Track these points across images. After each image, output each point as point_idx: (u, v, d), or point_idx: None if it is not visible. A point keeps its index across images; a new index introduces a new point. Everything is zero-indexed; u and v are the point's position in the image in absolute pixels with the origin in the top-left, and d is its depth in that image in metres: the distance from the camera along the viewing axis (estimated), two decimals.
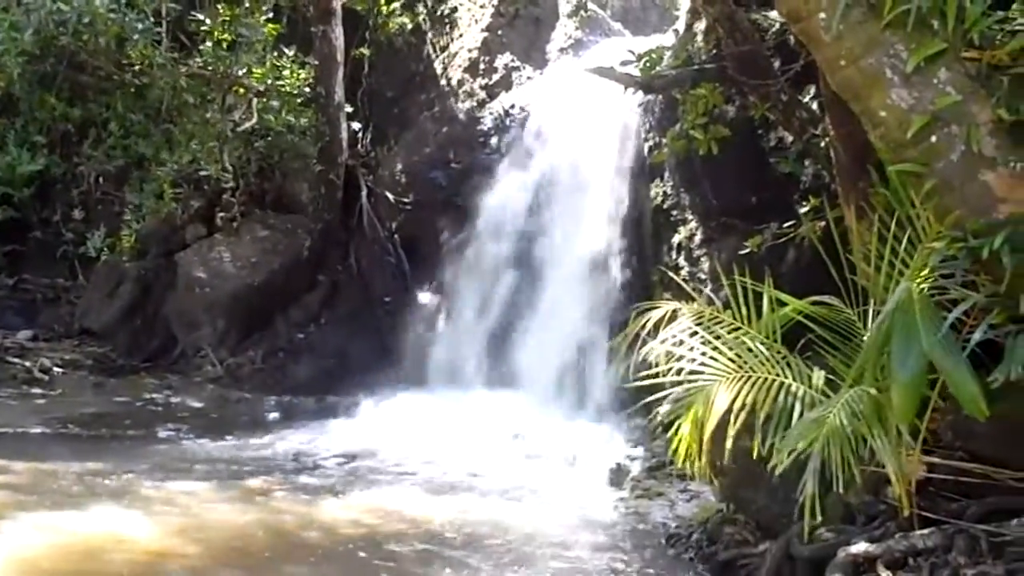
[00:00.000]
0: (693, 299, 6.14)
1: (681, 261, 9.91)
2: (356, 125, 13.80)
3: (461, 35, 14.13)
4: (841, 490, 4.65)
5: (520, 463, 9.16)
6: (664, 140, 9.14)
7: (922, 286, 4.73)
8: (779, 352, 5.46)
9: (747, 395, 5.22)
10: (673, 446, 5.56)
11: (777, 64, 7.40)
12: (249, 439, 9.82)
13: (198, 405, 11.07)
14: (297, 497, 7.81)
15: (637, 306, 6.17)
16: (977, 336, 4.55)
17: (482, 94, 13.66)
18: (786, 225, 7.55)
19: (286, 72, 12.65)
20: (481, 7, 14.00)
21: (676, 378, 5.53)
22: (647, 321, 5.91)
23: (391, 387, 11.55)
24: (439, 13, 14.28)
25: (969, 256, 4.59)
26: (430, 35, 14.34)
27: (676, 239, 10.02)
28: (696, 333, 5.65)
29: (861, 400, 4.76)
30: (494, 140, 13.09)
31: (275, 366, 12.28)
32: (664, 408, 5.58)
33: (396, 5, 14.02)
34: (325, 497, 7.87)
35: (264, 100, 12.56)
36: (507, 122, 13.12)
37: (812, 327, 5.43)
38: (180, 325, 12.67)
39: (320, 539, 6.84)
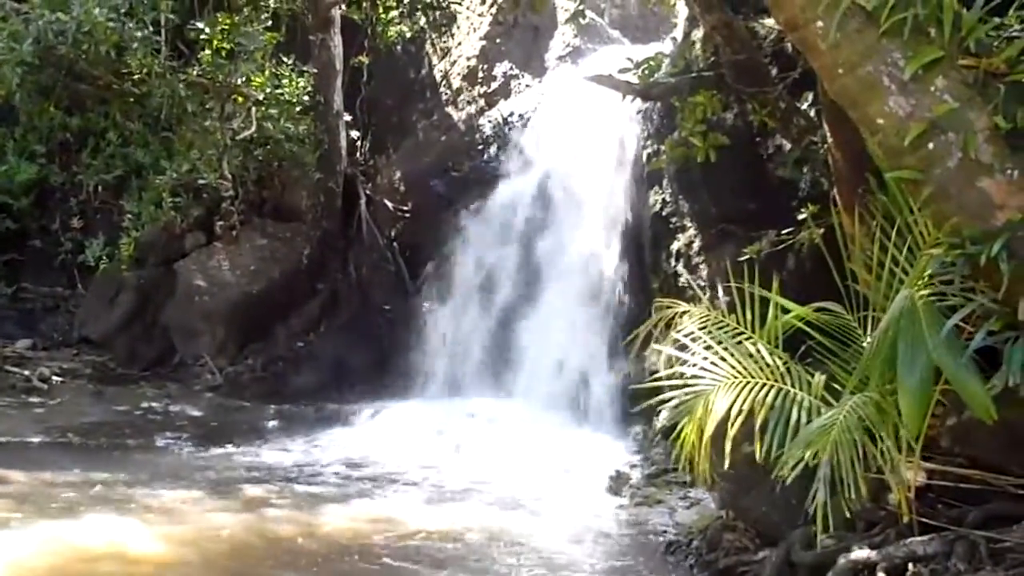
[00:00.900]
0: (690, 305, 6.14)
1: (680, 268, 9.91)
2: (355, 133, 13.83)
3: (460, 43, 14.16)
4: (851, 497, 4.65)
5: (519, 471, 9.15)
6: (662, 147, 9.15)
7: (921, 293, 4.74)
8: (780, 358, 5.47)
9: (747, 401, 5.23)
10: (676, 452, 5.56)
11: (775, 71, 7.40)
12: (248, 448, 9.81)
13: (197, 414, 11.07)
14: (296, 506, 7.80)
15: (659, 302, 6.15)
16: (976, 343, 4.55)
17: (481, 102, 13.68)
18: (784, 232, 7.56)
19: (285, 80, 12.67)
20: (480, 15, 14.03)
21: (677, 382, 5.54)
22: (652, 325, 5.92)
23: (390, 395, 11.56)
24: (438, 21, 14.30)
25: (967, 263, 4.59)
26: (429, 43, 14.37)
27: (675, 246, 10.03)
28: (698, 339, 5.66)
29: (867, 406, 4.76)
30: (493, 148, 13.12)
31: (274, 374, 12.28)
32: (664, 415, 5.59)
33: (395, 13, 14.04)
34: (324, 506, 7.85)
35: (263, 108, 12.58)
36: (506, 130, 13.14)
37: (812, 334, 5.44)
38: (179, 334, 12.67)
39: (319, 548, 6.82)
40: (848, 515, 5.47)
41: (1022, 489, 4.99)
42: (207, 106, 12.56)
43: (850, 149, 5.75)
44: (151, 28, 11.85)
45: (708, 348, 5.60)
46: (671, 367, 5.71)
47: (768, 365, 5.42)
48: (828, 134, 6.19)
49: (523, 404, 10.98)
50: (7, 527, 6.66)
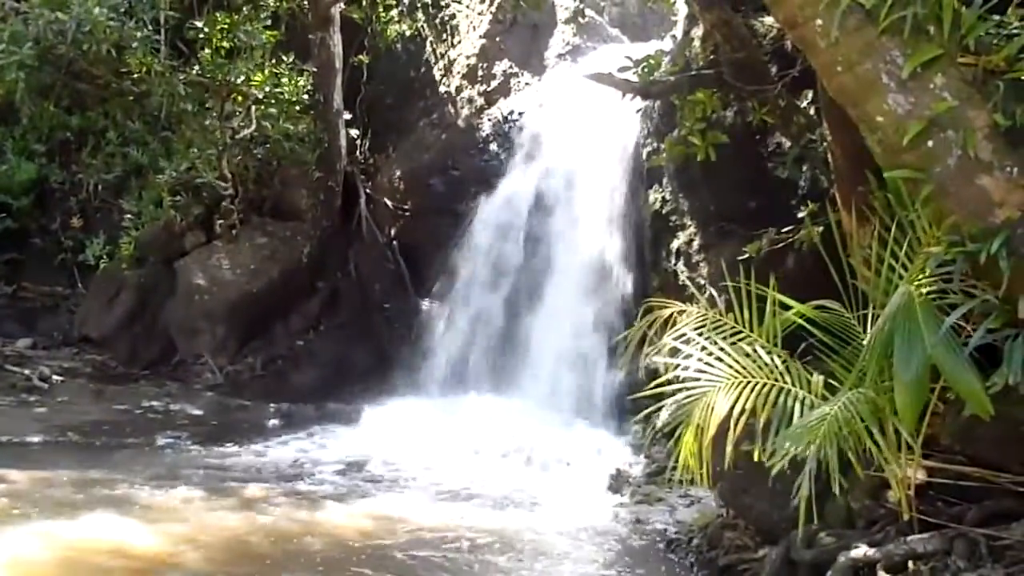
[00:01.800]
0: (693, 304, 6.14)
1: (680, 266, 9.92)
2: (355, 132, 13.82)
3: (459, 42, 14.15)
4: (838, 492, 4.65)
5: (520, 469, 9.16)
6: (662, 146, 9.15)
7: (921, 290, 4.74)
8: (779, 356, 5.47)
9: (747, 400, 5.23)
10: (676, 452, 5.57)
11: (774, 69, 7.40)
12: (249, 446, 9.81)
13: (198, 412, 11.07)
14: (297, 504, 7.81)
15: (647, 302, 6.16)
16: (975, 340, 4.56)
17: (480, 101, 13.68)
18: (784, 230, 7.56)
19: (284, 79, 12.66)
20: (479, 14, 14.02)
21: (677, 385, 5.54)
22: (651, 323, 5.92)
23: (391, 394, 11.55)
24: (437, 20, 14.30)
25: (967, 260, 4.60)
26: (429, 42, 14.36)
27: (675, 244, 10.04)
28: (698, 338, 5.66)
29: (859, 402, 4.77)
30: (493, 146, 13.12)
31: (275, 373, 12.28)
32: (664, 416, 5.59)
33: (394, 12, 14.04)
34: (325, 504, 7.87)
35: (263, 107, 12.57)
36: (506, 128, 13.14)
37: (812, 331, 5.44)
38: (179, 332, 12.67)
39: (320, 546, 6.83)
40: (847, 513, 5.49)
41: (1022, 487, 4.99)
42: (207, 105, 12.55)
43: (850, 147, 5.75)
44: (150, 27, 11.83)
45: (704, 350, 5.60)
46: (670, 367, 5.71)
47: (767, 364, 5.42)
48: (827, 132, 6.19)
49: (524, 402, 10.99)
50: (7, 526, 6.66)
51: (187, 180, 12.57)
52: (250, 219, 13.02)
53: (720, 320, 5.78)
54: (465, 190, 12.78)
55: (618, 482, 8.49)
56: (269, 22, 12.51)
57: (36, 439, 9.52)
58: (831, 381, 5.28)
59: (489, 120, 13.37)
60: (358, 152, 14.03)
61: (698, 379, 5.49)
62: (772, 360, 5.44)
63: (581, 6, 11.44)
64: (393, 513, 7.70)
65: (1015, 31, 4.62)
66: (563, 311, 11.27)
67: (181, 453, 9.55)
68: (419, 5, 14.15)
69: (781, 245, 7.59)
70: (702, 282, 9.44)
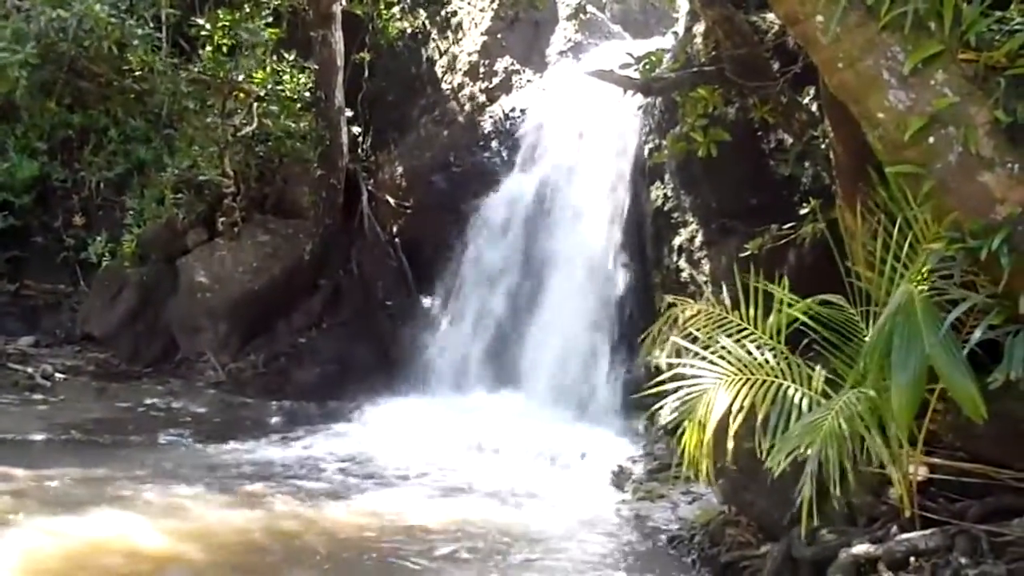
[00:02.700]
0: (694, 301, 6.15)
1: (682, 263, 9.91)
2: (356, 129, 13.82)
3: (461, 39, 14.15)
4: (838, 492, 4.65)
5: (522, 466, 9.17)
6: (664, 142, 9.14)
7: (922, 287, 4.74)
8: (781, 353, 5.47)
9: (748, 397, 5.24)
10: (680, 448, 5.57)
11: (776, 66, 7.40)
12: (251, 444, 9.82)
13: (200, 410, 11.09)
14: (300, 502, 7.82)
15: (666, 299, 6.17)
16: (976, 337, 4.56)
17: (482, 97, 13.68)
18: (786, 227, 7.56)
19: (286, 77, 12.65)
20: (481, 11, 14.02)
21: (679, 381, 5.54)
22: (664, 323, 5.94)
23: (393, 391, 11.57)
24: (439, 17, 14.30)
25: (968, 257, 4.60)
26: (430, 39, 14.36)
27: (677, 241, 10.03)
28: (700, 337, 5.67)
29: (859, 402, 4.77)
30: (494, 143, 13.12)
31: (277, 371, 12.28)
32: (667, 413, 5.60)
33: (396, 9, 14.03)
34: (328, 501, 7.88)
35: (264, 105, 12.56)
36: (507, 125, 13.14)
37: (815, 328, 5.44)
38: (182, 330, 12.69)
39: (323, 543, 6.84)
40: (849, 510, 5.49)
41: (1023, 483, 4.99)
42: (208, 102, 12.54)
43: (851, 143, 5.75)
44: (152, 25, 11.84)
45: (707, 348, 5.61)
46: (673, 364, 5.72)
47: (768, 361, 5.43)
48: (829, 128, 6.19)
49: (526, 399, 11.00)
50: (11, 524, 6.68)
51: (189, 178, 12.57)
52: (252, 217, 13.02)
53: (724, 317, 5.79)
54: (467, 187, 12.78)
55: (620, 479, 8.50)
56: (270, 19, 12.50)
57: (39, 437, 9.53)
58: (833, 378, 5.28)
59: (491, 117, 13.37)
60: (360, 149, 14.03)
61: (701, 375, 5.49)
62: (772, 357, 5.44)
63: (583, 3, 11.44)
64: (395, 510, 7.71)
65: (1016, 27, 4.61)
66: (565, 308, 11.27)
67: (184, 451, 9.56)
68: (421, 2, 14.14)
69: (783, 242, 7.58)
70: (704, 279, 9.43)
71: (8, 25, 10.86)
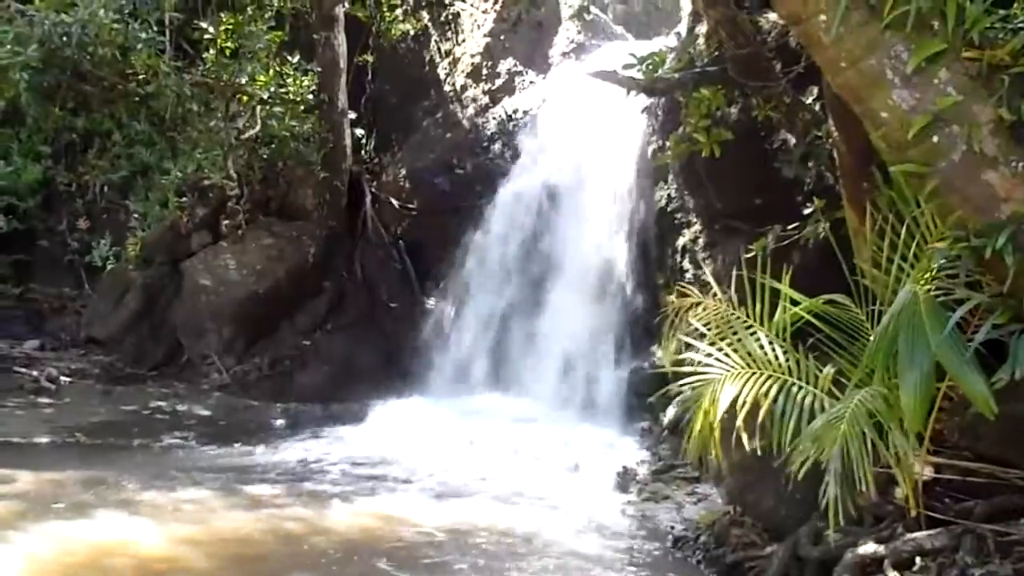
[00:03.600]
0: (699, 302, 6.15)
1: (686, 263, 9.91)
2: (360, 131, 13.84)
3: (464, 40, 14.16)
4: (867, 489, 4.64)
5: (527, 468, 9.16)
6: (667, 143, 9.13)
7: (927, 287, 4.73)
8: (787, 351, 5.47)
9: (752, 392, 5.24)
10: (686, 439, 5.58)
11: (779, 66, 7.39)
12: (256, 446, 9.83)
13: (205, 413, 11.09)
14: (304, 504, 7.82)
15: (671, 296, 6.19)
16: (981, 336, 4.54)
17: (485, 99, 13.69)
18: (790, 227, 7.54)
19: (289, 79, 12.66)
20: (483, 12, 14.03)
21: (688, 370, 5.55)
22: (674, 315, 5.95)
23: (397, 393, 11.56)
24: (442, 19, 14.31)
25: (972, 256, 4.59)
26: (433, 41, 14.37)
27: (681, 242, 10.02)
28: (707, 333, 5.68)
29: (876, 400, 4.76)
30: (498, 145, 13.13)
31: (281, 373, 12.30)
32: (672, 410, 5.61)
33: (399, 11, 14.04)
34: (332, 504, 7.87)
35: (268, 107, 12.58)
36: (510, 127, 13.14)
37: (820, 327, 5.44)
38: (186, 333, 12.70)
39: (327, 546, 6.84)
40: (855, 510, 5.48)
41: None
42: (212, 106, 12.56)
43: (855, 143, 5.74)
44: (155, 28, 11.85)
45: (713, 344, 5.61)
46: (679, 360, 5.73)
47: (778, 357, 5.43)
48: (833, 128, 6.18)
49: (530, 400, 10.99)
50: (17, 526, 6.68)
51: (193, 181, 12.59)
52: (256, 219, 13.04)
53: (731, 312, 5.79)
54: (470, 189, 12.79)
55: (625, 480, 8.49)
56: (274, 22, 12.52)
57: (44, 440, 9.54)
58: (838, 378, 5.28)
59: (494, 119, 13.38)
60: (363, 151, 14.05)
61: (709, 368, 5.51)
62: (780, 354, 5.44)
63: (585, 4, 11.44)
64: (399, 512, 7.71)
65: (1020, 25, 4.60)
66: (569, 309, 11.27)
67: (188, 453, 9.57)
68: (423, 4, 14.15)
69: (787, 242, 7.57)
70: (708, 279, 9.42)
71: (11, 29, 10.87)
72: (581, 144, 11.99)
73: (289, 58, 12.73)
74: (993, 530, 4.81)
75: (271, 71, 12.38)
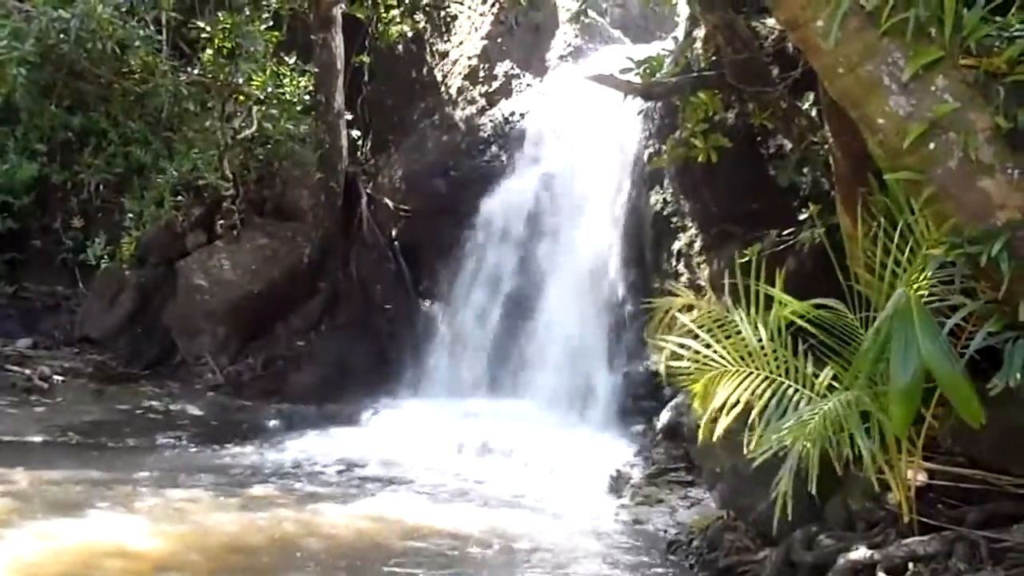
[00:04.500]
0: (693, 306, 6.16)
1: (681, 268, 9.91)
2: (356, 132, 13.83)
3: (461, 43, 14.16)
4: (813, 489, 4.66)
5: (521, 471, 9.16)
6: (664, 147, 9.15)
7: (921, 293, 4.74)
8: (776, 350, 5.48)
9: (745, 391, 5.26)
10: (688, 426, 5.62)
11: (776, 71, 7.41)
12: (249, 447, 9.82)
13: (198, 413, 11.08)
14: (298, 505, 7.81)
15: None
16: (976, 343, 4.55)
17: (482, 101, 13.69)
18: (785, 233, 7.55)
19: (286, 80, 12.66)
20: (481, 15, 14.03)
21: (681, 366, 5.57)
22: (660, 320, 5.96)
23: (391, 395, 11.56)
24: (439, 21, 14.30)
25: (967, 263, 4.59)
26: (430, 43, 14.37)
27: (676, 246, 10.03)
28: (703, 334, 5.70)
29: (848, 404, 4.77)
30: (494, 147, 13.12)
31: (275, 374, 12.28)
32: (666, 413, 5.63)
33: (396, 13, 14.04)
34: (326, 505, 7.86)
35: (264, 108, 12.57)
36: (507, 129, 13.14)
37: (814, 332, 5.45)
38: (180, 333, 12.67)
39: (321, 547, 6.82)
40: (848, 514, 5.49)
41: (1022, 489, 4.99)
42: (208, 105, 12.54)
43: (851, 149, 5.75)
44: (153, 27, 11.84)
45: (708, 346, 5.62)
46: (673, 361, 5.75)
47: (776, 354, 5.44)
48: (829, 134, 6.19)
49: (524, 403, 10.98)
50: (9, 526, 6.65)
51: (188, 180, 12.56)
52: (251, 220, 13.02)
53: (725, 316, 5.80)
54: (466, 191, 12.78)
55: (618, 484, 8.49)
56: (271, 22, 12.52)
57: (37, 439, 9.52)
58: (831, 383, 5.29)
59: (490, 121, 13.38)
60: (359, 153, 14.05)
61: (705, 364, 5.53)
62: (771, 352, 5.46)
63: (583, 7, 11.43)
64: (393, 514, 7.70)
65: (1016, 33, 4.61)
66: (564, 312, 11.27)
67: (182, 453, 9.56)
68: (421, 5, 14.14)
69: (782, 247, 7.58)
70: (703, 284, 9.43)
71: (8, 24, 10.85)
72: (577, 147, 12.00)
73: (286, 58, 12.73)
74: (986, 536, 4.81)
75: (268, 71, 12.37)
